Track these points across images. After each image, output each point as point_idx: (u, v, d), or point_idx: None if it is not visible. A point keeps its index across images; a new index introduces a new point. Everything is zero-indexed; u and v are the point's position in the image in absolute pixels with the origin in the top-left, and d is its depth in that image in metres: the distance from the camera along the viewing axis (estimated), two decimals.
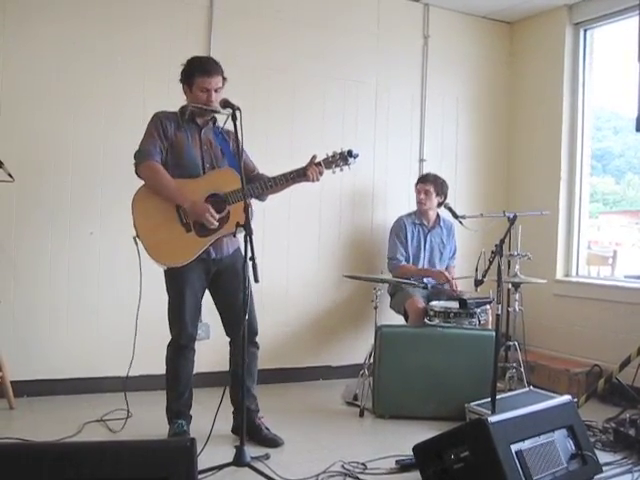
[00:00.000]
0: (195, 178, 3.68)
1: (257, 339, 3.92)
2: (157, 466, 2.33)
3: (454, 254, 5.44)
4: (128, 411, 4.13)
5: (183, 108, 3.76)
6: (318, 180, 3.76)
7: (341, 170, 3.83)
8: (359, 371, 4.77)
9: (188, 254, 3.62)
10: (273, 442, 3.79)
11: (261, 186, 3.70)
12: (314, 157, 3.76)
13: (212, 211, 3.58)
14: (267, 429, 3.88)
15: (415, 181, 5.41)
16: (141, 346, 4.03)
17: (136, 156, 3.66)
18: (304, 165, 3.75)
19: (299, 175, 3.74)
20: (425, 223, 5.29)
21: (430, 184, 5.19)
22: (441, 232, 5.34)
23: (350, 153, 3.79)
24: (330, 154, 3.79)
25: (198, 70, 3.66)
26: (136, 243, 3.60)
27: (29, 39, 4.50)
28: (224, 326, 3.90)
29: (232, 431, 3.90)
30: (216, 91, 3.67)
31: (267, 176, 3.83)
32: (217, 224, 3.60)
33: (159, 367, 3.88)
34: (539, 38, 6.01)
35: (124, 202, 3.67)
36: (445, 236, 5.35)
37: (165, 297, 3.80)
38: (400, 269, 5.16)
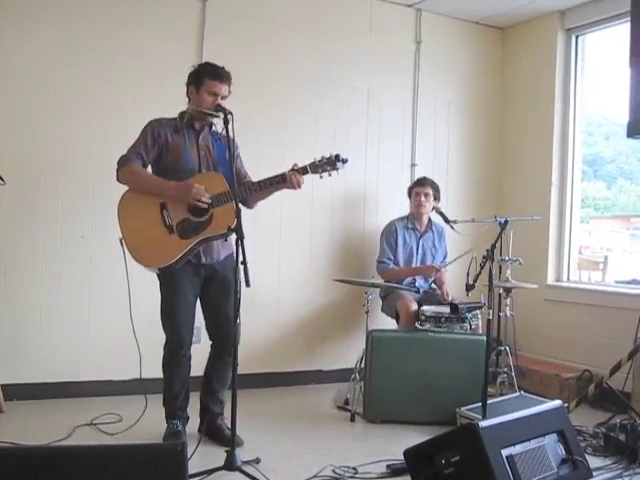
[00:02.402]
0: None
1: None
2: (147, 470, 2.33)
3: (445, 258, 5.45)
4: (119, 415, 4.13)
5: (182, 113, 3.78)
6: (300, 187, 3.69)
7: (329, 175, 3.71)
8: (350, 375, 4.77)
9: (169, 256, 3.61)
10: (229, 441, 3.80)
11: (245, 189, 3.67)
12: (295, 165, 3.70)
13: (198, 185, 3.57)
14: (228, 429, 3.88)
15: (408, 185, 5.42)
16: (134, 349, 4.02)
17: (118, 162, 3.69)
18: (285, 171, 3.69)
19: (279, 181, 3.67)
20: (418, 227, 5.31)
21: (429, 187, 5.23)
22: (433, 236, 5.36)
23: (338, 158, 3.66)
24: (318, 158, 3.69)
25: (211, 73, 3.69)
26: (122, 244, 3.61)
27: (23, 42, 4.49)
28: (207, 330, 3.93)
29: (198, 430, 3.89)
30: (222, 98, 3.69)
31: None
32: (209, 200, 3.58)
33: (151, 370, 3.87)
34: (531, 44, 6.04)
35: (116, 206, 3.66)
36: (437, 240, 5.37)
37: (153, 300, 3.82)
38: (388, 272, 5.20)
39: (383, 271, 5.22)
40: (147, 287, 3.86)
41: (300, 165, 3.70)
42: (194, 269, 3.75)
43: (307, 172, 3.69)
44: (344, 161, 3.69)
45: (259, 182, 3.70)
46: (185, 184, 3.59)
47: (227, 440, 3.76)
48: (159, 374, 3.90)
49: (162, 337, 3.84)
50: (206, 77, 3.68)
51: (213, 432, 3.84)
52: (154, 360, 3.87)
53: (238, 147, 3.91)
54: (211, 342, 3.94)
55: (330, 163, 3.67)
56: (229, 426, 3.86)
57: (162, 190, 3.62)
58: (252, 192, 3.69)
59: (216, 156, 3.79)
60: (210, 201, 3.59)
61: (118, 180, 3.69)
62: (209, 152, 3.79)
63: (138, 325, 3.91)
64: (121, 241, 3.61)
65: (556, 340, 5.60)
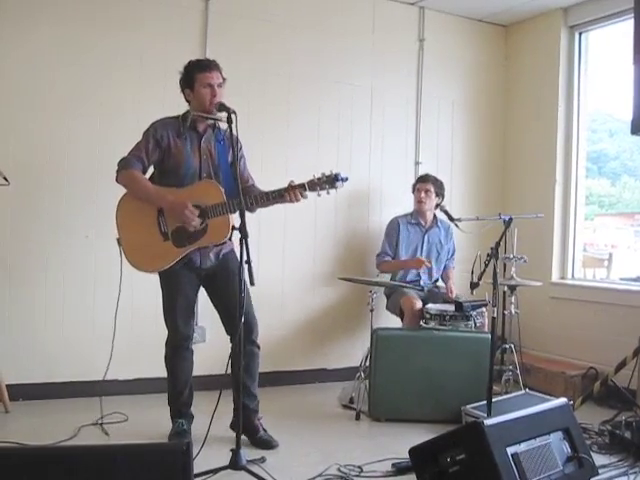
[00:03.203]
0: (177, 188, 3.66)
1: (257, 340, 3.92)
2: (153, 470, 2.33)
3: (452, 255, 5.45)
4: (125, 414, 4.14)
5: (185, 115, 3.74)
6: (298, 201, 3.60)
7: (327, 193, 3.59)
8: (355, 374, 4.77)
9: (161, 262, 3.64)
10: (267, 444, 3.81)
11: (244, 202, 3.51)
12: (292, 182, 3.59)
13: (191, 208, 3.54)
14: (264, 430, 3.90)
15: (412, 183, 5.42)
16: (138, 348, 4.03)
17: (118, 164, 3.69)
18: (284, 187, 3.60)
19: (277, 197, 3.61)
20: (422, 223, 5.30)
21: (430, 184, 5.23)
22: (439, 232, 5.36)
23: (337, 177, 3.52)
24: (317, 176, 3.56)
25: (197, 67, 3.67)
26: (119, 244, 3.65)
27: (24, 41, 4.49)
28: (223, 325, 3.90)
29: (230, 426, 3.90)
30: (219, 86, 3.66)
31: (257, 189, 3.81)
32: (197, 221, 3.57)
33: (155, 370, 3.88)
34: (534, 41, 6.02)
35: None
36: (443, 236, 5.37)
37: (158, 300, 3.84)
38: (382, 264, 5.27)
39: (378, 263, 5.30)
40: (152, 286, 3.85)
41: (298, 182, 3.58)
42: (192, 269, 3.77)
43: (305, 190, 3.58)
44: (344, 180, 3.55)
45: (256, 196, 3.65)
46: (179, 204, 3.56)
47: (263, 443, 3.82)
48: (163, 373, 3.92)
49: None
50: (195, 73, 3.66)
51: (249, 431, 3.80)
52: (159, 359, 3.89)
53: (242, 147, 3.89)
54: (230, 337, 3.83)
55: (329, 182, 3.54)
56: (265, 428, 3.90)
57: (157, 202, 3.64)
58: (249, 205, 3.61)
59: (217, 160, 3.78)
60: (194, 230, 3.58)
61: (117, 181, 3.69)
62: (210, 156, 3.77)
63: (143, 324, 3.92)
64: (118, 241, 3.65)
65: (561, 338, 5.59)
